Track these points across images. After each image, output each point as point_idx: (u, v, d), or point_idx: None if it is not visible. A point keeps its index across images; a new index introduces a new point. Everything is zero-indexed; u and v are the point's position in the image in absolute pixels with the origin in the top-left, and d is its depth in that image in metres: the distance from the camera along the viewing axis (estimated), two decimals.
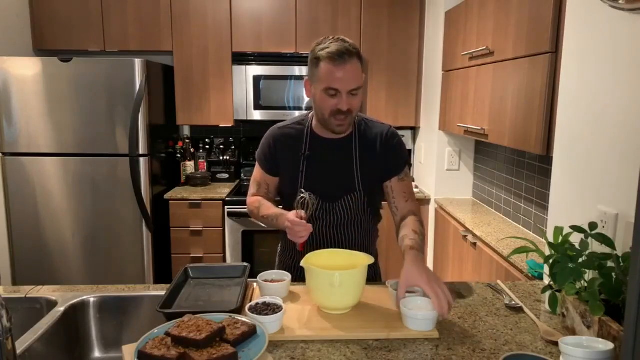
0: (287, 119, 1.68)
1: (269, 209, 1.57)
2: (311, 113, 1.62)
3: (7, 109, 2.95)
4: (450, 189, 3.14)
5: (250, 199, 1.66)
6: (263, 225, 1.63)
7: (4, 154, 3.01)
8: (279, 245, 1.79)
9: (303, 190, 1.48)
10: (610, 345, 0.97)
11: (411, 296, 1.30)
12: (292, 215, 1.42)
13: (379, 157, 1.57)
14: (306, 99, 3.41)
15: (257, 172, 1.67)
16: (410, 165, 1.64)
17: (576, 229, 1.24)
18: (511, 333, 1.23)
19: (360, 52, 1.46)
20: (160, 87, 3.29)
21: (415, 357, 1.11)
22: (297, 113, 3.41)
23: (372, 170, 1.57)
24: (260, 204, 1.61)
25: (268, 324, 1.17)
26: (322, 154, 1.57)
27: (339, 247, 1.60)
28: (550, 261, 1.22)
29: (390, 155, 1.58)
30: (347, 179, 1.56)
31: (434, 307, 1.20)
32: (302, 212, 1.43)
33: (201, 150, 3.61)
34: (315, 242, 1.60)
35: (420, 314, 1.20)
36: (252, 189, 1.68)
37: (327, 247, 1.60)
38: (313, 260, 1.34)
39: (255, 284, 1.49)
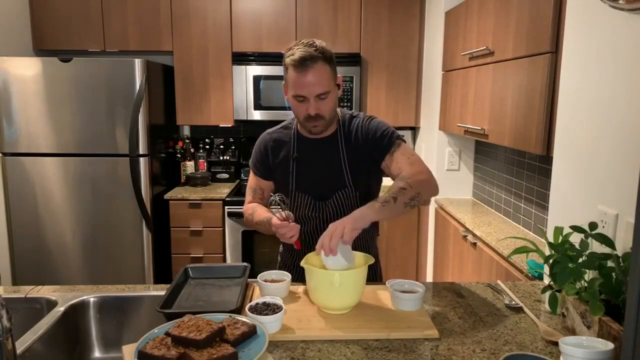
0: (286, 119, 1.70)
1: (262, 213, 1.58)
2: None
3: (7, 109, 2.95)
4: (450, 189, 3.14)
5: (246, 206, 1.69)
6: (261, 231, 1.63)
7: (4, 154, 3.01)
8: (280, 245, 1.79)
9: (272, 194, 1.49)
10: (610, 345, 0.97)
11: (408, 296, 1.32)
12: (274, 219, 1.44)
13: (361, 147, 1.57)
14: None
15: (252, 179, 1.70)
16: (399, 137, 1.58)
17: (576, 229, 1.24)
18: (511, 333, 1.23)
19: (329, 54, 1.45)
20: (160, 87, 3.29)
21: (415, 357, 1.11)
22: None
23: (359, 163, 1.58)
24: (254, 210, 1.62)
25: (268, 324, 1.17)
26: (310, 154, 1.59)
27: None
28: (550, 261, 1.22)
29: (371, 139, 1.55)
30: (336, 176, 1.58)
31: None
32: (284, 213, 1.44)
33: (201, 150, 3.61)
34: (311, 242, 1.60)
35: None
36: (247, 197, 1.71)
37: None
38: (313, 260, 1.34)
39: (255, 284, 1.49)
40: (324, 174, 1.58)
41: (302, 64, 1.40)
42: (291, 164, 1.60)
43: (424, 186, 1.42)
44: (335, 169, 1.58)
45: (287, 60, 1.45)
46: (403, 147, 1.54)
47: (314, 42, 1.45)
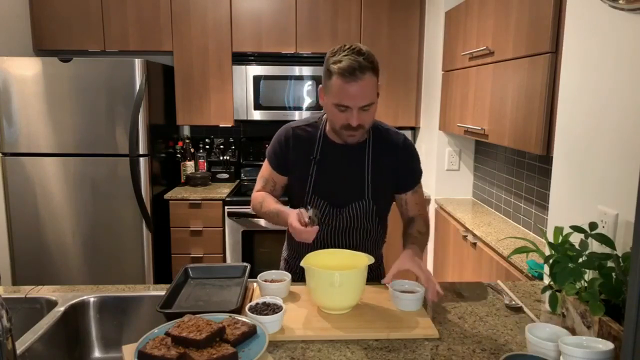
0: (287, 120, 1.68)
1: (271, 204, 1.55)
2: (325, 115, 1.58)
3: (7, 109, 2.95)
4: (450, 189, 3.14)
5: (255, 194, 1.65)
6: (263, 225, 1.62)
7: (4, 154, 3.01)
8: (284, 246, 1.78)
9: (309, 207, 1.43)
10: (610, 345, 0.97)
11: (409, 296, 1.33)
12: (295, 220, 1.37)
13: (392, 168, 1.55)
14: (306, 99, 3.41)
15: (266, 168, 1.64)
16: (421, 174, 1.61)
17: (576, 229, 1.24)
18: (511, 333, 1.23)
19: (377, 63, 1.41)
20: (160, 87, 3.29)
21: (415, 357, 1.11)
22: (296, 113, 3.41)
23: (383, 180, 1.55)
24: (264, 198, 1.59)
25: (268, 324, 1.17)
26: (333, 159, 1.55)
27: (340, 246, 1.59)
28: (550, 261, 1.22)
29: (405, 169, 1.57)
30: (356, 186, 1.54)
31: (425, 288, 1.31)
32: (306, 217, 1.38)
33: (201, 150, 3.61)
34: (315, 239, 1.59)
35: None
36: (258, 184, 1.66)
37: (327, 244, 1.59)
38: (313, 260, 1.34)
39: (255, 284, 1.49)
40: (344, 181, 1.54)
41: (351, 74, 1.34)
42: (311, 165, 1.55)
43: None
44: (357, 179, 1.54)
45: (334, 67, 1.37)
46: (421, 186, 1.64)
47: (362, 50, 1.39)
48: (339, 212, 1.55)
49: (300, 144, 1.57)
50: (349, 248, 1.59)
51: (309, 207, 1.43)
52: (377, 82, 1.42)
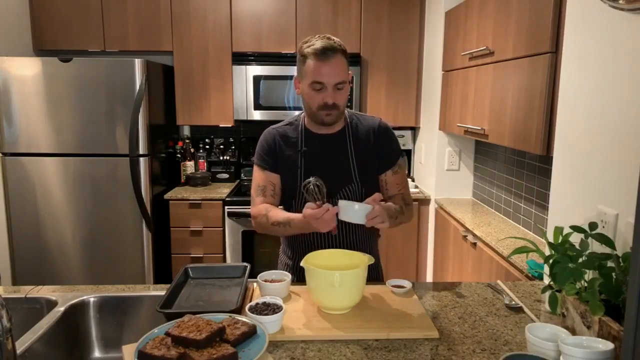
0: (287, 118, 1.72)
1: (278, 214, 1.54)
2: (302, 113, 1.66)
3: (7, 109, 2.95)
4: (450, 189, 3.14)
5: (255, 210, 1.60)
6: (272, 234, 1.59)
7: (4, 154, 3.01)
8: (280, 246, 1.78)
9: (311, 179, 1.42)
10: (610, 345, 0.97)
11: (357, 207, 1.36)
12: (308, 210, 1.37)
13: (372, 149, 1.62)
14: None
15: (258, 175, 1.64)
16: (403, 155, 1.68)
17: (576, 229, 1.24)
18: (511, 333, 1.23)
19: (345, 48, 1.52)
20: (160, 87, 3.29)
21: (415, 357, 1.11)
22: (296, 113, 3.40)
23: (367, 162, 1.62)
24: (267, 211, 1.56)
25: (268, 324, 1.17)
26: (318, 149, 1.61)
27: (339, 244, 1.61)
28: (550, 261, 1.22)
29: (383, 148, 1.64)
30: (343, 171, 1.59)
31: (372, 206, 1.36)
32: (313, 204, 1.38)
33: (201, 150, 3.61)
34: (315, 239, 1.60)
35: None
36: (255, 199, 1.62)
37: (327, 244, 1.61)
38: (313, 260, 1.34)
39: (255, 284, 1.49)
40: (331, 169, 1.59)
41: (324, 53, 1.45)
42: (299, 158, 1.60)
43: (410, 215, 1.67)
44: (342, 164, 1.60)
45: (308, 50, 1.48)
46: (403, 168, 1.68)
47: (331, 37, 1.51)
48: (330, 200, 1.56)
49: (285, 141, 1.63)
50: (343, 240, 1.61)
51: (310, 180, 1.42)
52: (348, 68, 1.53)
